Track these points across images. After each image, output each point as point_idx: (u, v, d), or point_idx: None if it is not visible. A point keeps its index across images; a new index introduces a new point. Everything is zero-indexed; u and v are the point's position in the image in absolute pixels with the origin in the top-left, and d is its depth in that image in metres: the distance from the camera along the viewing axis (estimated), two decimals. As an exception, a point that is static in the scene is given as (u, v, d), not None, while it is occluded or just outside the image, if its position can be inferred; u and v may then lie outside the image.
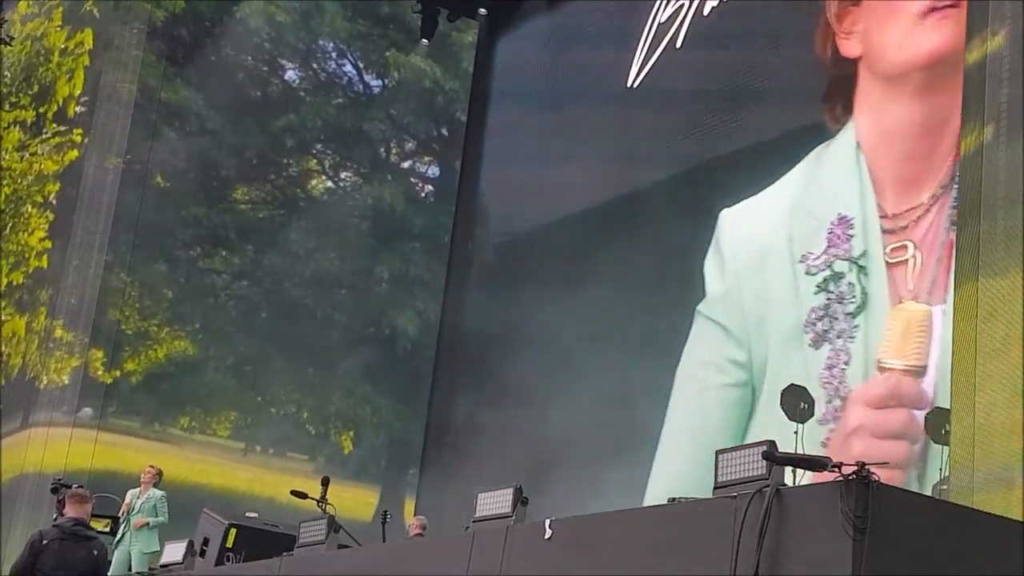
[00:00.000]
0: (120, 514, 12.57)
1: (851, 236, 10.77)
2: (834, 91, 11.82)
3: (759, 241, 11.94)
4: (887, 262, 10.40)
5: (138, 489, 12.67)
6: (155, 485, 12.77)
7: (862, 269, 10.59)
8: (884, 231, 10.49)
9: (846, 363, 10.61)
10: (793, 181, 11.97)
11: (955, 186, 9.87)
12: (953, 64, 9.77)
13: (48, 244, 17.75)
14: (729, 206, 12.58)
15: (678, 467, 11.87)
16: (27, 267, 18.12)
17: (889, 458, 9.51)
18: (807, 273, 11.02)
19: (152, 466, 13.09)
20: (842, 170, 11.15)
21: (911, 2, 10.95)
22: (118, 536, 12.46)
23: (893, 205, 10.66)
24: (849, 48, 11.60)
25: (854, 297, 10.68)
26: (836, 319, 10.70)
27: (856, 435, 10.17)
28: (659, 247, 13.62)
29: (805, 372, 10.82)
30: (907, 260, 10.41)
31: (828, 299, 10.83)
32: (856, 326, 10.64)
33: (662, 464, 12.43)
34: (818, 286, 10.95)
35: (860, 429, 10.22)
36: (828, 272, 10.90)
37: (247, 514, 10.51)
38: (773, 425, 10.00)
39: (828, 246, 10.99)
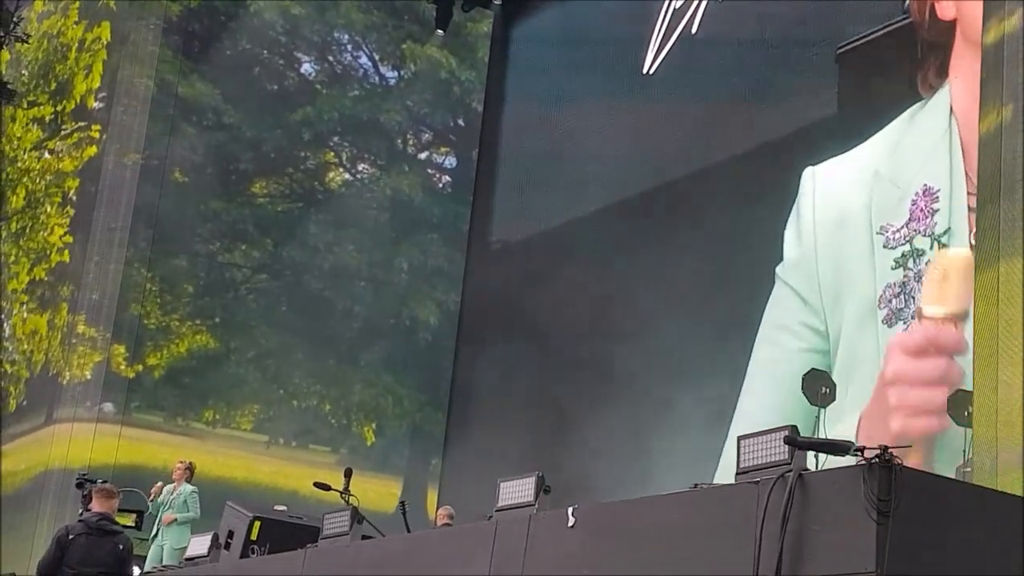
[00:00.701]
0: (149, 500, 12.73)
1: (935, 211, 10.17)
2: (928, 54, 11.03)
3: (839, 206, 11.32)
4: (970, 243, 9.55)
5: (172, 485, 12.81)
6: (187, 480, 12.90)
7: (944, 248, 10.03)
8: (971, 209, 9.51)
9: None
10: (879, 145, 11.28)
11: None
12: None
13: (69, 239, 17.82)
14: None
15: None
16: (49, 263, 18.19)
17: (929, 406, 9.27)
18: (885, 246, 10.52)
19: (182, 461, 13.21)
20: (932, 138, 10.45)
21: None
22: (152, 531, 12.62)
23: None
24: (945, 10, 10.70)
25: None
26: (913, 298, 10.22)
27: (894, 385, 9.87)
28: (707, 231, 13.36)
29: (877, 350, 10.42)
30: None
31: (905, 277, 10.34)
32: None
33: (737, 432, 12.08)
34: (896, 261, 10.45)
35: (898, 379, 9.89)
36: (908, 247, 10.37)
37: (276, 507, 10.56)
38: (847, 401, 9.97)
39: (910, 219, 10.43)
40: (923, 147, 10.57)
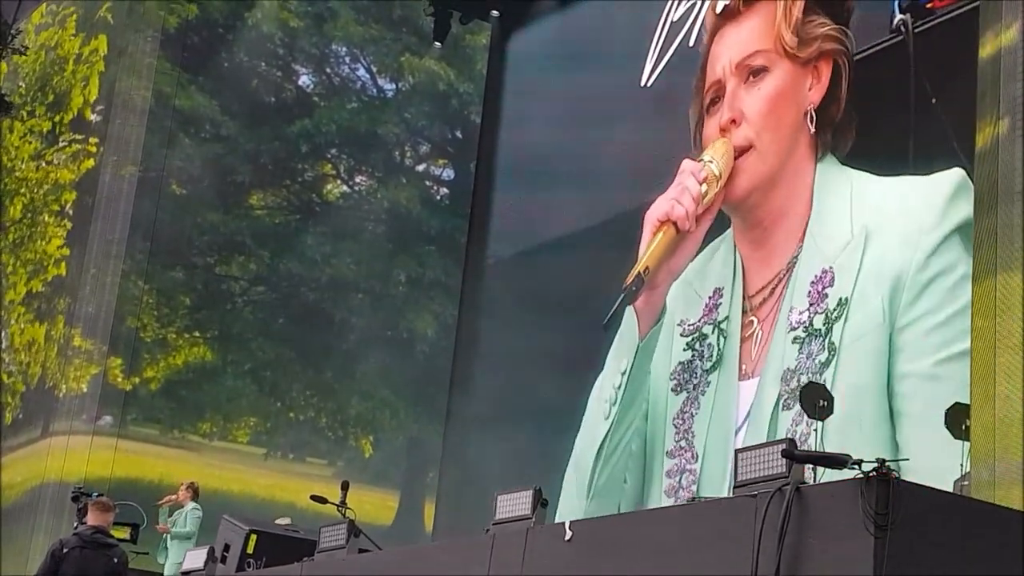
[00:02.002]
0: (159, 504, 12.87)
1: (718, 305, 11.62)
2: None
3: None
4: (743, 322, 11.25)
5: (180, 507, 12.91)
6: (191, 499, 12.98)
7: (723, 332, 11.39)
8: (748, 296, 11.35)
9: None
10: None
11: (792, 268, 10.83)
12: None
13: (66, 252, 17.82)
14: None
15: None
16: (46, 275, 18.19)
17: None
18: (681, 335, 11.83)
19: (184, 482, 13.29)
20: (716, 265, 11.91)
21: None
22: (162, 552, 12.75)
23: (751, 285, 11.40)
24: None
25: (711, 356, 11.46)
26: (695, 372, 11.55)
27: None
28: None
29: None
30: (751, 335, 11.12)
31: (693, 355, 11.68)
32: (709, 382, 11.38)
33: None
34: (687, 344, 11.77)
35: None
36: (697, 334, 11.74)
37: (278, 521, 10.58)
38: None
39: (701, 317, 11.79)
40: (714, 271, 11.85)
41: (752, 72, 11.61)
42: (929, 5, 11.95)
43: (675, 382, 11.67)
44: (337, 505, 8.87)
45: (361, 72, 19.36)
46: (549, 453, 13.89)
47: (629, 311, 11.52)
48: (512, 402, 15.40)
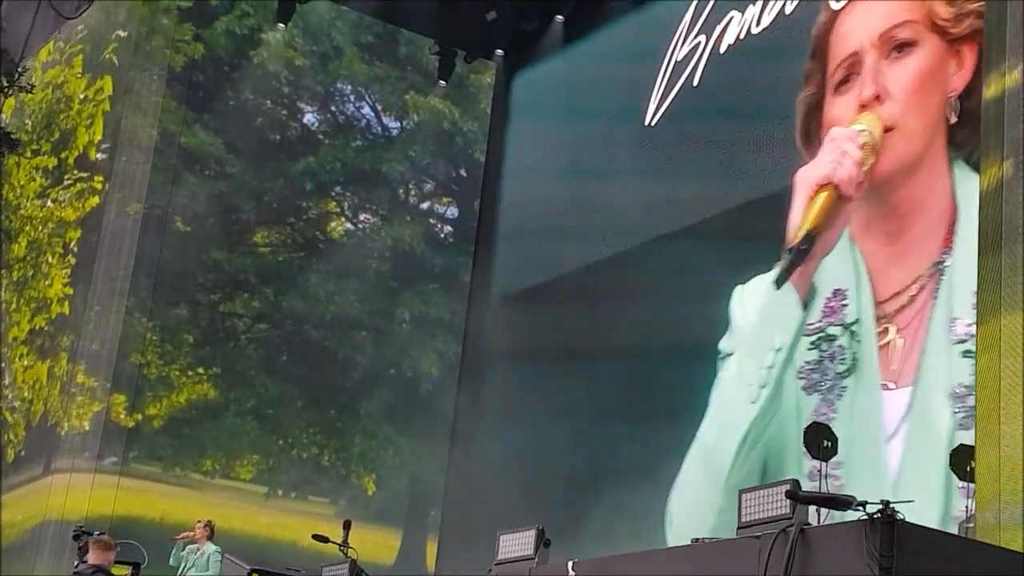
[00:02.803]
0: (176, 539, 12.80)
1: (844, 306, 11.06)
2: None
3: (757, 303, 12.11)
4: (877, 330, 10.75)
5: (195, 545, 12.81)
6: (208, 538, 12.91)
7: (854, 334, 10.89)
8: (879, 303, 10.88)
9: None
10: None
11: (939, 274, 10.34)
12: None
13: (70, 291, 17.82)
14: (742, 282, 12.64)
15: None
16: (49, 313, 18.18)
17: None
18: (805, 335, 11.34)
19: (200, 520, 13.21)
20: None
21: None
22: None
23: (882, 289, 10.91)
24: None
25: (844, 359, 10.97)
26: (827, 372, 11.04)
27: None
28: (683, 295, 13.55)
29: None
30: (888, 344, 10.65)
31: (821, 355, 11.17)
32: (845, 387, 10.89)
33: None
34: (811, 343, 11.28)
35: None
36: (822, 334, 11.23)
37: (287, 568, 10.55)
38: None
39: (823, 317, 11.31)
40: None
41: (896, 46, 11.00)
42: None
43: (805, 381, 11.13)
44: (339, 544, 8.85)
45: (366, 110, 19.41)
46: (552, 492, 13.85)
47: (770, 278, 10.92)
48: (515, 441, 15.37)
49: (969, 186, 10.24)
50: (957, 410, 9.75)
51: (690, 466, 11.91)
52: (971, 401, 9.51)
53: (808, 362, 11.14)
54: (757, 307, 11.84)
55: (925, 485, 9.30)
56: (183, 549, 12.96)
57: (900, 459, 10.10)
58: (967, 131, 10.32)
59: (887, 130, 10.74)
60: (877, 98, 10.88)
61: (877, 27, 11.17)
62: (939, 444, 9.69)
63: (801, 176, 10.93)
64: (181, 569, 12.85)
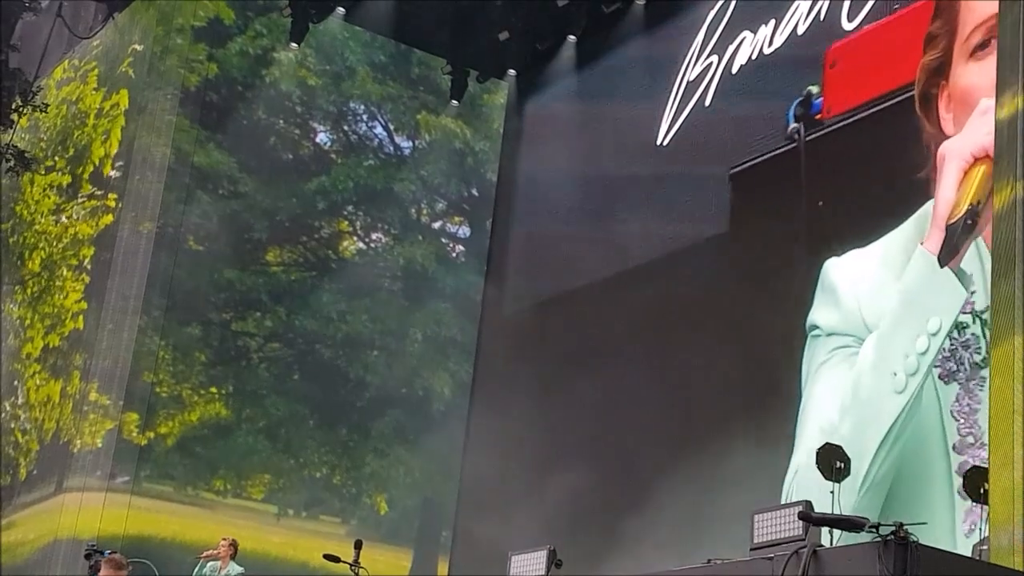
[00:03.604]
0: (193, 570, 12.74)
1: (973, 292, 10.30)
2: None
3: (873, 279, 11.47)
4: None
5: (218, 563, 12.75)
6: (232, 557, 12.86)
7: (985, 323, 10.03)
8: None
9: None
10: (903, 235, 11.42)
11: None
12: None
13: (83, 306, 17.85)
14: (837, 255, 12.08)
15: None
16: (63, 329, 18.22)
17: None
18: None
19: (225, 538, 13.17)
20: None
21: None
22: None
23: None
24: (948, 127, 11.19)
25: (979, 348, 10.25)
26: (963, 362, 10.34)
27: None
28: (716, 303, 13.40)
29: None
30: None
31: (952, 343, 10.45)
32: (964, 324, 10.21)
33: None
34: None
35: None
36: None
37: None
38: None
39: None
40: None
41: None
42: (818, 116, 12.52)
43: (940, 369, 10.36)
44: (350, 564, 8.83)
45: (378, 130, 19.45)
46: (566, 511, 13.82)
47: (924, 259, 10.18)
48: (527, 460, 15.35)
49: None
50: None
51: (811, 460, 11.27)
52: None
53: (942, 349, 10.28)
54: (882, 285, 11.05)
55: None
56: (204, 568, 12.91)
57: None
58: None
59: None
60: None
61: None
62: None
63: (952, 148, 10.20)
64: None
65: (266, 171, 18.00)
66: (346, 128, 19.35)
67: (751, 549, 5.05)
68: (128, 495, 15.99)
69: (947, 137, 11.01)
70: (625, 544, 12.54)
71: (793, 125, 12.70)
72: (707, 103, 14.52)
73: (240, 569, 12.87)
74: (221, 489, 17.09)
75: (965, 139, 10.13)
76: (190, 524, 14.11)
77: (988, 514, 6.79)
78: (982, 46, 10.61)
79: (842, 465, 9.02)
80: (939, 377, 10.37)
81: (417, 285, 18.38)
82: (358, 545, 9.14)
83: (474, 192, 19.52)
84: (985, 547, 6.63)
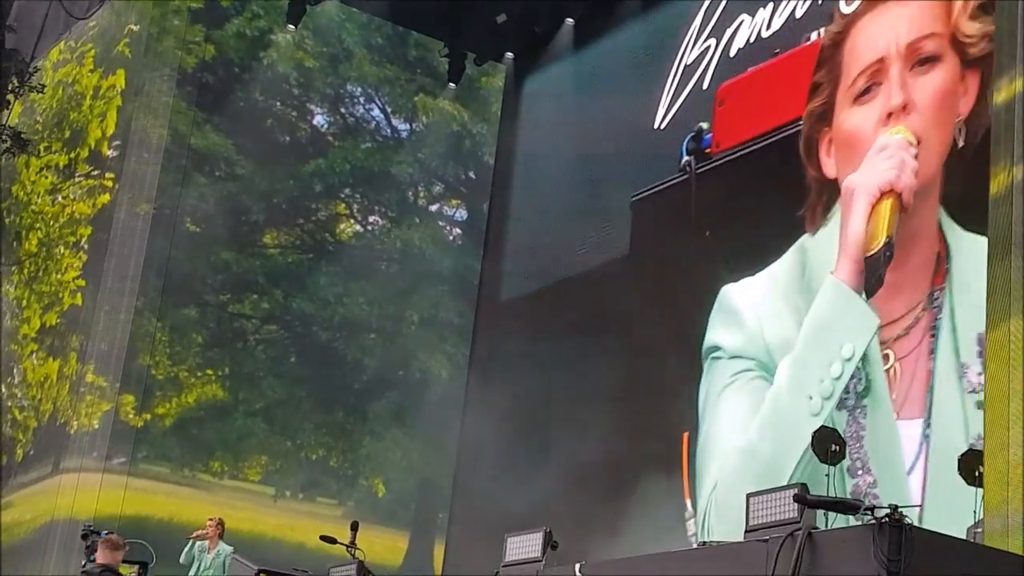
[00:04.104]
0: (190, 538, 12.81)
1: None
2: (816, 197, 11.93)
3: (770, 305, 12.04)
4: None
5: (206, 542, 12.81)
6: (220, 536, 12.92)
7: (865, 357, 10.63)
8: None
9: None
10: (787, 265, 12.08)
11: (934, 309, 10.24)
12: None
13: (82, 283, 17.84)
14: (733, 281, 12.70)
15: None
16: (61, 306, 18.22)
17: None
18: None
19: (212, 518, 13.22)
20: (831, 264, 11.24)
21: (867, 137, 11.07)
22: None
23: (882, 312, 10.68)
24: (828, 170, 11.76)
25: (862, 378, 10.75)
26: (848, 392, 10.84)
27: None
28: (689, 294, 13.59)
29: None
30: (889, 369, 10.47)
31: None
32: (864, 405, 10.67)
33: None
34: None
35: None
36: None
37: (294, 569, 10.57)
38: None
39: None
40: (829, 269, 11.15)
41: (919, 60, 10.76)
42: (708, 150, 13.09)
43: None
44: (346, 546, 8.86)
45: (376, 112, 19.44)
46: (561, 494, 13.84)
47: (836, 288, 10.63)
48: (524, 442, 15.37)
49: (950, 225, 10.37)
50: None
51: (736, 473, 11.48)
52: None
53: (833, 377, 10.79)
54: (778, 311, 11.62)
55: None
56: (193, 548, 12.97)
57: (922, 496, 9.90)
58: (953, 181, 10.37)
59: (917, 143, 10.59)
60: (904, 108, 10.67)
61: (904, 35, 10.96)
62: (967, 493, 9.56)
63: (857, 183, 10.60)
64: (196, 570, 12.85)
65: (263, 153, 17.98)
66: (343, 110, 19.33)
67: (746, 531, 5.08)
68: (125, 476, 16.02)
69: (827, 180, 11.55)
70: (619, 527, 12.58)
71: (686, 158, 13.46)
72: (705, 86, 14.50)
73: (229, 548, 12.92)
74: (218, 470, 17.12)
75: (870, 175, 10.52)
76: (187, 505, 14.14)
77: (983, 497, 6.83)
78: (865, 91, 11.12)
79: (837, 448, 9.06)
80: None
81: (414, 268, 18.38)
82: (354, 527, 9.16)
83: (471, 175, 19.51)
84: (979, 530, 6.66)
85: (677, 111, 14.86)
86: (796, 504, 4.81)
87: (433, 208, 19.55)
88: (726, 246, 12.67)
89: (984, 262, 9.57)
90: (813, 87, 11.99)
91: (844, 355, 10.48)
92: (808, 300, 11.42)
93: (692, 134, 13.62)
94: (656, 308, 13.63)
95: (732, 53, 14.29)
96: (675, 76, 14.97)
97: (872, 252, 10.21)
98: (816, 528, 4.76)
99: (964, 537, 6.48)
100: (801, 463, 10.38)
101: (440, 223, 19.49)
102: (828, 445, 8.91)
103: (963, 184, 10.26)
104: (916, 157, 10.31)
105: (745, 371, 11.82)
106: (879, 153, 10.46)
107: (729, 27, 14.42)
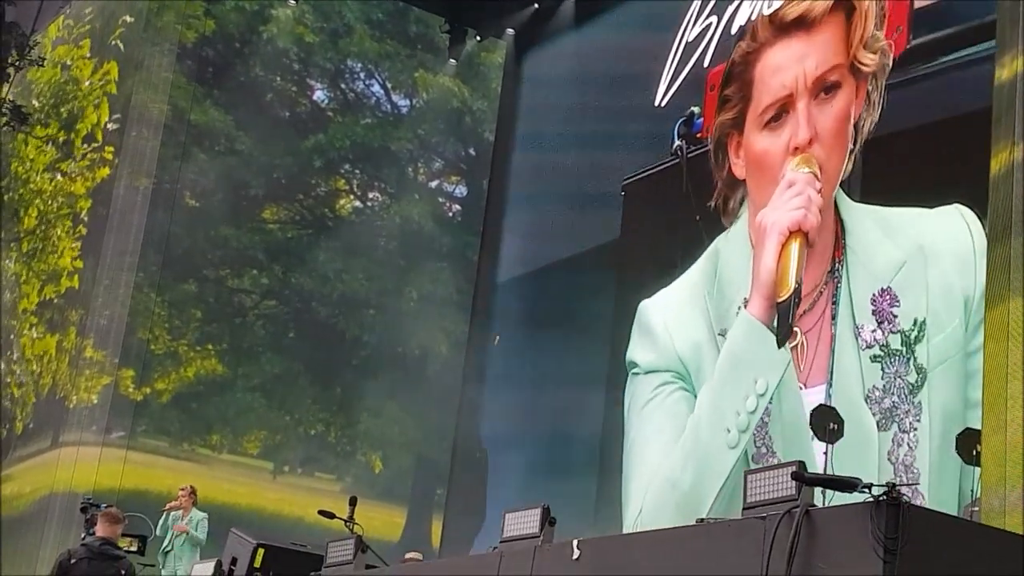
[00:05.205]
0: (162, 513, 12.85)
1: None
2: (728, 192, 12.37)
3: (679, 314, 12.45)
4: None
5: (180, 512, 12.87)
6: (194, 504, 12.99)
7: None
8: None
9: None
10: (697, 272, 12.49)
11: (835, 281, 10.90)
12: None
13: (79, 264, 17.86)
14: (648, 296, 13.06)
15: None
16: (58, 286, 18.23)
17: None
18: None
19: (184, 487, 13.26)
20: (741, 260, 11.72)
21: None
22: (161, 561, 12.73)
23: None
24: (739, 171, 12.12)
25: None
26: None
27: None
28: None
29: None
30: (796, 346, 10.87)
31: None
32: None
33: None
34: None
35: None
36: None
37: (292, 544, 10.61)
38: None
39: None
40: (739, 267, 11.66)
41: (825, 88, 11.29)
42: (699, 135, 13.17)
43: None
44: (345, 520, 8.86)
45: (376, 88, 19.41)
46: (559, 471, 13.88)
47: (749, 324, 11.03)
48: (522, 419, 15.40)
49: (846, 203, 11.03)
50: (874, 411, 10.14)
51: (656, 502, 11.77)
52: (886, 403, 10.05)
53: None
54: (688, 320, 12.04)
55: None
56: (168, 519, 13.03)
57: (825, 456, 10.18)
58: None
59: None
60: (810, 143, 11.14)
61: (811, 71, 11.40)
62: (866, 443, 10.03)
63: (768, 220, 10.91)
64: (168, 538, 12.93)
65: (263, 128, 17.96)
66: (343, 86, 19.30)
67: (744, 508, 5.07)
68: (124, 450, 16.06)
69: (736, 180, 12.10)
70: (616, 504, 12.61)
71: (677, 142, 13.53)
72: (706, 64, 14.47)
73: (203, 514, 12.98)
74: (217, 444, 17.16)
75: (780, 212, 10.87)
76: (186, 479, 14.16)
77: (980, 476, 6.84)
78: (775, 118, 11.49)
79: (835, 427, 9.08)
80: None
81: (414, 244, 18.38)
82: (353, 502, 9.16)
83: (471, 151, 19.49)
84: (976, 508, 6.68)
85: (678, 89, 14.83)
86: (793, 481, 4.81)
87: (433, 184, 19.54)
88: (713, 234, 12.76)
89: (872, 227, 10.73)
90: (723, 100, 12.43)
91: (758, 390, 10.83)
92: (718, 303, 11.86)
93: (683, 118, 13.67)
94: (644, 292, 13.68)
95: (733, 31, 14.25)
96: (676, 54, 14.93)
97: (782, 299, 10.50)
98: (813, 506, 4.77)
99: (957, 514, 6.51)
100: (721, 495, 10.78)
101: (440, 200, 19.48)
102: (826, 424, 8.93)
103: (858, 163, 11.04)
104: (820, 191, 10.81)
105: (663, 385, 12.13)
106: (788, 189, 10.90)
107: (731, 4, 14.38)
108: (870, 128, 10.95)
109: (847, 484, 4.66)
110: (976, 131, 8.71)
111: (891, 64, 10.96)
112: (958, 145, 10.13)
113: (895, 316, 10.30)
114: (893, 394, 10.07)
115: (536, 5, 17.79)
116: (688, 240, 12.99)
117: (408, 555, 10.88)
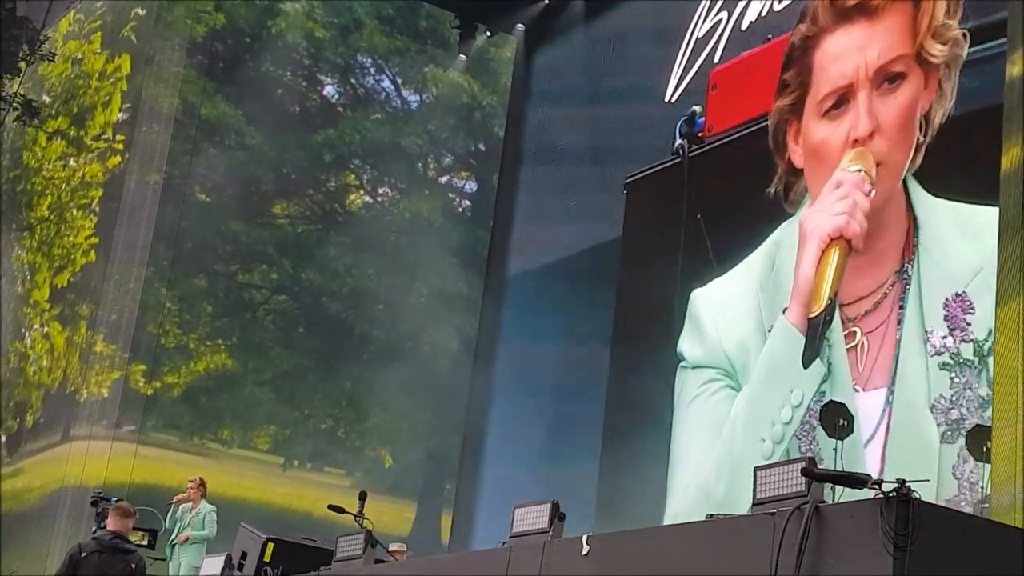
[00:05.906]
0: (168, 508, 12.84)
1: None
2: (790, 180, 11.93)
3: (732, 311, 12.12)
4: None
5: (188, 505, 12.86)
6: (202, 497, 12.97)
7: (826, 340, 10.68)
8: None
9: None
10: (755, 263, 12.12)
11: (903, 282, 10.42)
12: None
13: (95, 240, 17.85)
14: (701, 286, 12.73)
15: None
16: (73, 267, 18.25)
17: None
18: None
19: (193, 479, 13.24)
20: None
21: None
22: (168, 552, 12.72)
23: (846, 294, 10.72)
24: (797, 159, 11.76)
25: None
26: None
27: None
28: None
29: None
30: (856, 346, 10.56)
31: None
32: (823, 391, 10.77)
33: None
34: None
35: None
36: None
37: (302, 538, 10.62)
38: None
39: None
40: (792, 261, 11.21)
41: (888, 78, 10.81)
42: (701, 134, 13.08)
43: None
44: (354, 515, 8.88)
45: (386, 83, 19.41)
46: (567, 466, 13.89)
47: (787, 332, 10.76)
48: (531, 415, 15.41)
49: (919, 192, 10.51)
50: (939, 422, 9.77)
51: (688, 510, 11.48)
52: (954, 414, 9.65)
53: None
54: (738, 318, 11.76)
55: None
56: (177, 511, 13.01)
57: (881, 462, 10.04)
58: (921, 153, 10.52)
59: (877, 166, 10.65)
60: (871, 135, 10.71)
61: (873, 61, 10.92)
62: (926, 453, 9.72)
63: (810, 225, 10.63)
64: (176, 530, 12.90)
65: (273, 123, 17.97)
66: (353, 81, 19.30)
67: (753, 504, 5.08)
68: (134, 444, 16.10)
69: (795, 169, 11.61)
70: (620, 501, 12.61)
71: (679, 141, 13.40)
72: (716, 60, 14.45)
73: (211, 507, 12.96)
74: (227, 439, 17.19)
75: (823, 217, 10.56)
76: (196, 473, 14.13)
77: (990, 472, 6.83)
78: (835, 107, 11.08)
79: (845, 423, 9.08)
80: None
81: (423, 239, 18.37)
82: (363, 496, 9.18)
83: (481, 147, 19.48)
84: (986, 505, 6.67)
85: (688, 84, 14.82)
86: (803, 478, 4.81)
87: (442, 180, 19.54)
88: (714, 232, 12.69)
89: (950, 226, 10.21)
90: (781, 85, 11.95)
91: (793, 401, 10.62)
92: (772, 297, 11.51)
93: (685, 117, 13.54)
94: (651, 289, 13.61)
95: (744, 27, 14.24)
96: (687, 49, 14.92)
97: (814, 315, 10.26)
98: (823, 502, 4.77)
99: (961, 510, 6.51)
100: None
101: (450, 195, 19.48)
102: (836, 420, 8.94)
103: (939, 155, 10.45)
104: (870, 192, 10.41)
105: (710, 382, 11.91)
106: (834, 191, 10.55)
107: (741, 1, 14.37)
108: (942, 119, 10.39)
109: (857, 480, 4.66)
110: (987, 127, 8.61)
111: (965, 54, 10.39)
112: (969, 142, 9.99)
113: (968, 324, 9.81)
114: (962, 406, 9.65)
115: (546, 1, 17.78)
116: (690, 238, 12.92)
117: (392, 547, 10.88)
